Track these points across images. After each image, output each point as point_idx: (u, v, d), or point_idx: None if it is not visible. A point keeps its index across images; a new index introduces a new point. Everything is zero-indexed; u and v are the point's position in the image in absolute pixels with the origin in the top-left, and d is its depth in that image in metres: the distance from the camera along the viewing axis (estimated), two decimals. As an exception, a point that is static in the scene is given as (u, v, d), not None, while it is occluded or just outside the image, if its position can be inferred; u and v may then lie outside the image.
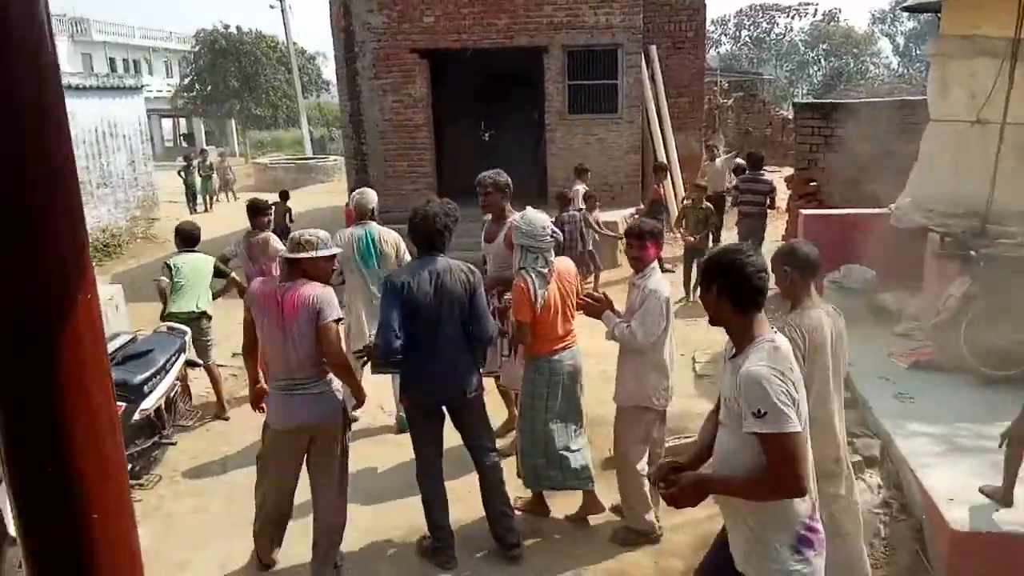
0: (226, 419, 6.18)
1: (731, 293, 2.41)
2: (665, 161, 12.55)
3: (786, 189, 9.41)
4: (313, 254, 3.80)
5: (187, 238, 6.30)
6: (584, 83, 12.56)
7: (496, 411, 5.52)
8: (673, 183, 13.18)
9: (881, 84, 26.83)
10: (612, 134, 12.61)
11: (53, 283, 1.00)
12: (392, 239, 5.72)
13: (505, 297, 4.67)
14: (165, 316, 6.07)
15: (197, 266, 6.15)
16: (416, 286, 3.85)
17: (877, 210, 7.51)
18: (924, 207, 6.67)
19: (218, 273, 6.34)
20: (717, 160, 12.26)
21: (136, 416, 4.88)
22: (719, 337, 7.39)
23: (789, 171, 10.64)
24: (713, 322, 2.55)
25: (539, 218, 4.24)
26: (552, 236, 4.23)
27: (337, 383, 3.93)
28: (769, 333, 2.44)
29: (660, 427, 4.42)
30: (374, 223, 5.76)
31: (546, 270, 4.18)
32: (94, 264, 13.60)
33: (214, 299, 6.35)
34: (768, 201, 9.45)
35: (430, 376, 4.00)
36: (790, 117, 26.24)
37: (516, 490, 4.66)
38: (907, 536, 4.07)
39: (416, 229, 3.99)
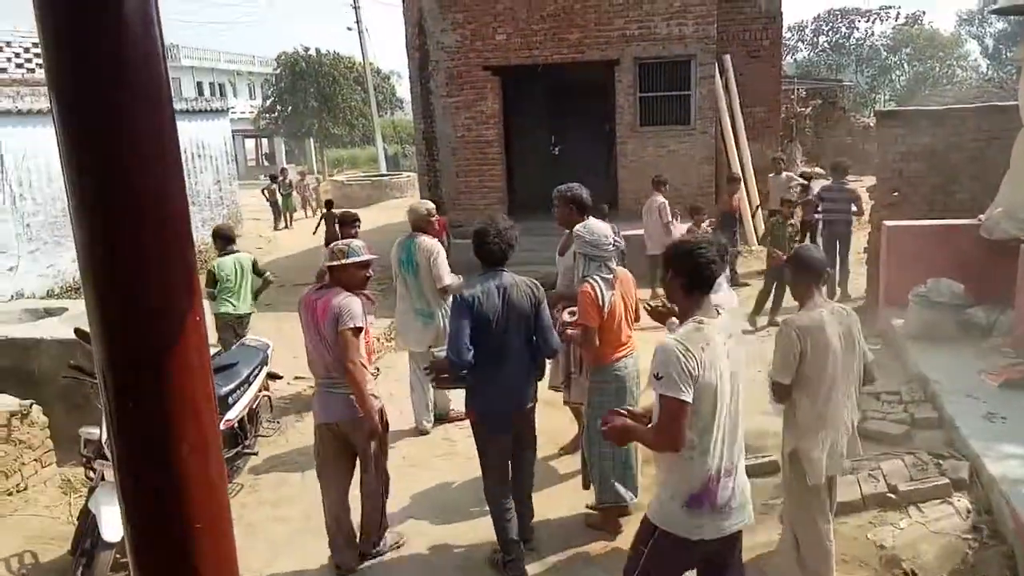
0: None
1: (683, 276, 2.87)
2: (738, 172, 12.35)
3: (868, 199, 9.09)
4: (343, 261, 4.10)
5: (226, 238, 6.84)
6: (656, 95, 12.50)
7: (566, 426, 5.55)
8: (748, 195, 12.95)
9: (970, 88, 25.66)
10: (684, 146, 12.48)
11: (167, 305, 1.07)
12: (426, 247, 5.88)
13: (569, 311, 4.69)
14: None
15: (239, 264, 6.71)
16: (485, 301, 3.94)
17: (965, 221, 7.21)
18: (1016, 217, 6.37)
19: (256, 270, 6.90)
20: (783, 174, 11.67)
21: (220, 427, 5.09)
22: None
23: (871, 180, 10.31)
24: (668, 299, 3.18)
25: (601, 227, 4.37)
26: (614, 244, 4.32)
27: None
28: (704, 315, 2.85)
29: None
30: (423, 235, 5.99)
31: (610, 276, 4.28)
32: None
33: (255, 298, 6.93)
34: (855, 208, 9.23)
35: (498, 389, 4.07)
36: (871, 124, 25.39)
37: (578, 500, 4.66)
38: (998, 563, 3.88)
39: (483, 244, 4.09)
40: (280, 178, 20.71)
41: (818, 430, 3.47)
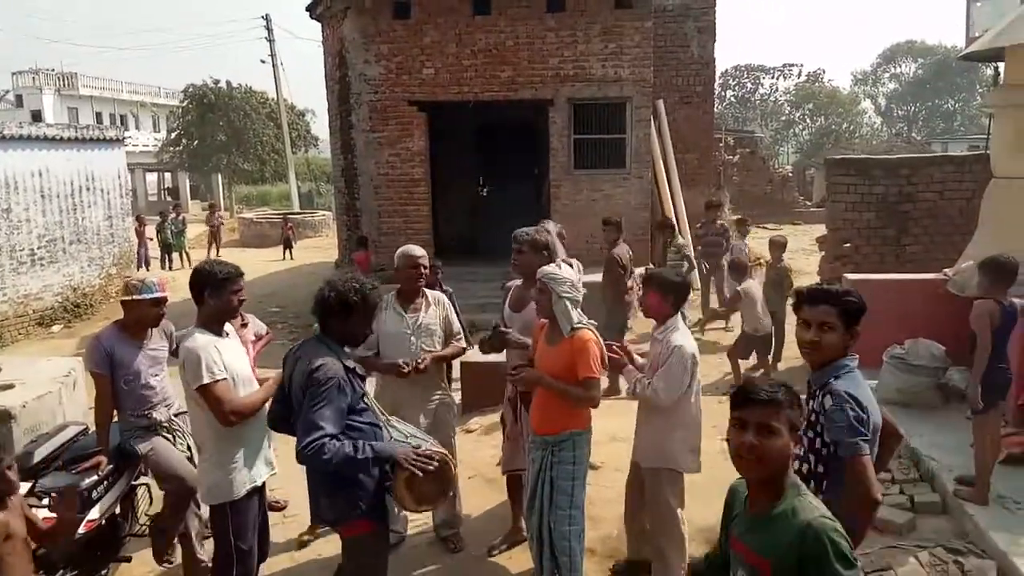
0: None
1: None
2: (670, 218, 11.86)
3: (818, 250, 8.70)
4: (135, 297, 4.04)
5: None
6: (590, 137, 11.97)
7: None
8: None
9: (878, 143, 26.69)
10: (620, 190, 11.97)
11: None
12: None
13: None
14: None
15: None
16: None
17: (932, 275, 6.80)
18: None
19: None
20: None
21: (81, 530, 3.93)
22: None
23: (810, 228, 9.99)
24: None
25: (571, 270, 3.82)
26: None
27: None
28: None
29: None
30: None
31: (595, 325, 3.75)
32: (62, 326, 12.54)
33: None
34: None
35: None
36: (790, 175, 26.00)
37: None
38: None
39: None
40: (173, 215, 19.23)
41: None
